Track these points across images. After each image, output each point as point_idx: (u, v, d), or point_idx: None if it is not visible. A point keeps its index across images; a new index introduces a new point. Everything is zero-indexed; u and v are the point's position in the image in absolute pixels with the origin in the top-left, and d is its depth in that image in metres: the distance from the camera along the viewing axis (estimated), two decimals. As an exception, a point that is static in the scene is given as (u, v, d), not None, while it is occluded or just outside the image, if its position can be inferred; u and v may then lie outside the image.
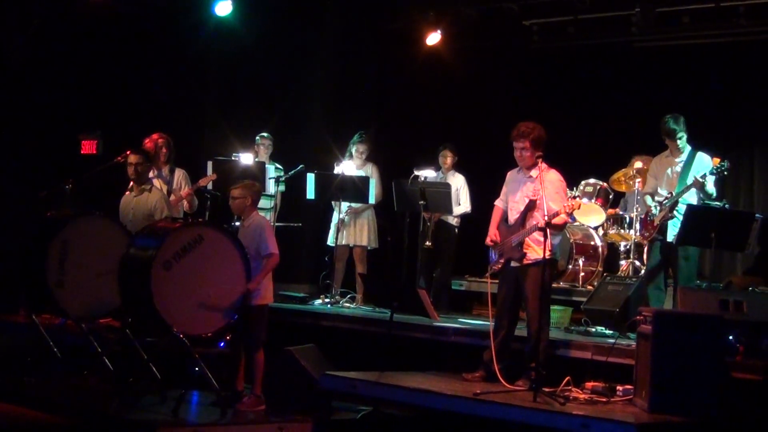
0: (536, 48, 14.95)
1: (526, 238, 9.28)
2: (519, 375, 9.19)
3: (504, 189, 9.83)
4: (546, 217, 8.95)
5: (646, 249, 11.72)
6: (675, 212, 10.40)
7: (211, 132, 14.91)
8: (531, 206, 9.23)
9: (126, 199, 10.95)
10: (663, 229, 10.52)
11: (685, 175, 10.48)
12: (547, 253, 9.12)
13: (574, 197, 9.09)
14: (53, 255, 10.03)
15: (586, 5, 13.90)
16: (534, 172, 9.36)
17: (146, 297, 9.01)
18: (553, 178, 9.42)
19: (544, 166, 9.44)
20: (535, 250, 9.21)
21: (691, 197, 10.43)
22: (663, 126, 10.61)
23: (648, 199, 10.96)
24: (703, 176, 10.24)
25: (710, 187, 10.33)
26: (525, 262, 9.30)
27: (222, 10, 14.04)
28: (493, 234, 9.66)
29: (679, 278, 10.36)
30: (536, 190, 9.25)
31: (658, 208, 10.71)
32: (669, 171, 10.67)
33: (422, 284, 12.39)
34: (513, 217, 9.56)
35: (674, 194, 10.47)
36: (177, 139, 11.97)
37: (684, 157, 10.51)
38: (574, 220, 12.76)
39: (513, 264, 9.43)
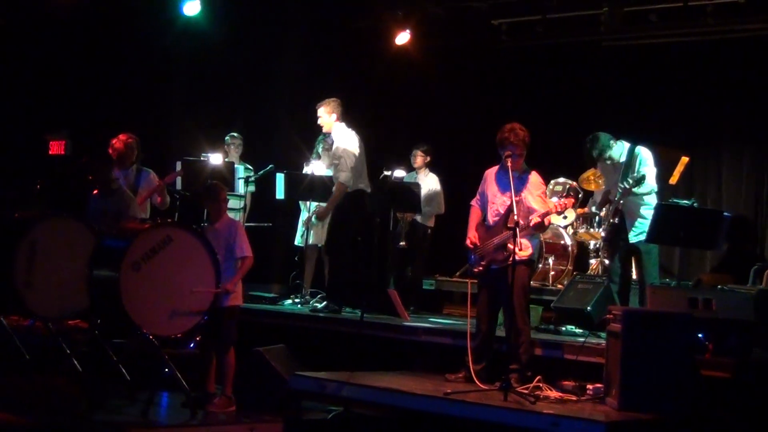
0: (505, 47, 14.97)
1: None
2: (499, 375, 8.92)
3: (480, 188, 9.75)
4: (539, 217, 9.06)
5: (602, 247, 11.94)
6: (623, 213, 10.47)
7: (180, 132, 14.87)
8: (512, 207, 9.07)
9: (94, 199, 10.87)
10: (620, 229, 10.54)
11: (627, 174, 10.47)
12: (530, 250, 9.22)
13: (567, 195, 9.07)
14: (21, 256, 9.93)
15: (554, 4, 13.94)
16: (515, 173, 9.33)
17: (115, 298, 8.95)
18: (535, 180, 9.45)
19: (524, 166, 9.46)
20: (516, 250, 9.08)
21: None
22: (589, 153, 10.66)
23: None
24: (631, 183, 10.26)
25: (644, 186, 10.30)
26: (508, 262, 9.10)
27: (190, 9, 13.99)
28: (472, 236, 9.58)
29: (645, 276, 10.38)
30: (519, 192, 9.25)
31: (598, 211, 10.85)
32: (615, 173, 10.66)
33: (392, 285, 12.40)
34: (493, 218, 9.51)
35: (614, 201, 10.52)
36: (145, 139, 11.89)
37: (624, 158, 10.53)
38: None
39: (494, 266, 9.37)
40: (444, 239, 13.51)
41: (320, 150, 13.01)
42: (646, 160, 10.43)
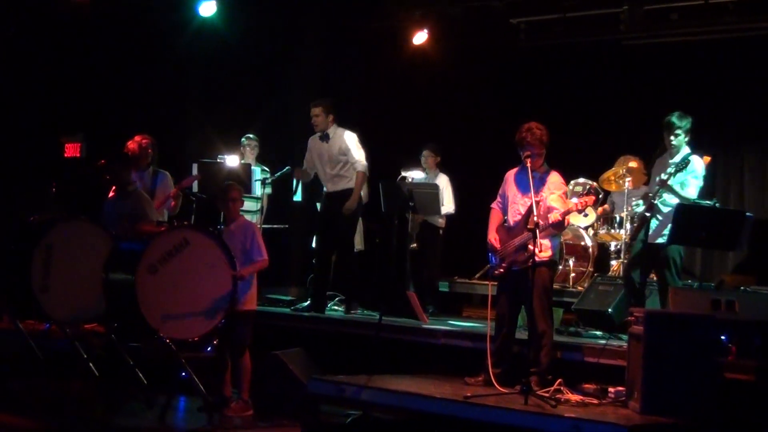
0: (523, 46, 14.88)
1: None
2: (520, 379, 8.82)
3: (501, 190, 9.68)
4: (560, 215, 8.99)
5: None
6: (655, 211, 10.30)
7: (196, 134, 14.84)
8: (533, 208, 8.99)
9: (110, 202, 10.83)
10: (645, 229, 10.43)
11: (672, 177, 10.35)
12: (550, 252, 9.16)
13: (588, 194, 9.03)
14: (38, 260, 9.91)
15: (573, 3, 13.86)
16: (536, 173, 9.27)
17: (131, 301, 8.92)
18: (556, 180, 9.37)
19: (546, 167, 9.38)
20: (536, 251, 8.95)
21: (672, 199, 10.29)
22: (666, 119, 10.43)
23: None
24: (668, 175, 10.11)
25: (685, 191, 10.16)
26: (529, 263, 9.00)
27: (206, 10, 13.97)
28: (492, 238, 9.49)
29: (667, 279, 10.24)
30: (540, 192, 9.17)
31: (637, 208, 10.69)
32: (662, 173, 10.51)
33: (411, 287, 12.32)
34: (514, 219, 9.43)
35: (650, 195, 10.38)
36: (161, 141, 11.85)
37: (677, 159, 10.37)
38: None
39: (515, 267, 9.28)
40: (460, 240, 13.45)
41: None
42: (696, 170, 10.23)
